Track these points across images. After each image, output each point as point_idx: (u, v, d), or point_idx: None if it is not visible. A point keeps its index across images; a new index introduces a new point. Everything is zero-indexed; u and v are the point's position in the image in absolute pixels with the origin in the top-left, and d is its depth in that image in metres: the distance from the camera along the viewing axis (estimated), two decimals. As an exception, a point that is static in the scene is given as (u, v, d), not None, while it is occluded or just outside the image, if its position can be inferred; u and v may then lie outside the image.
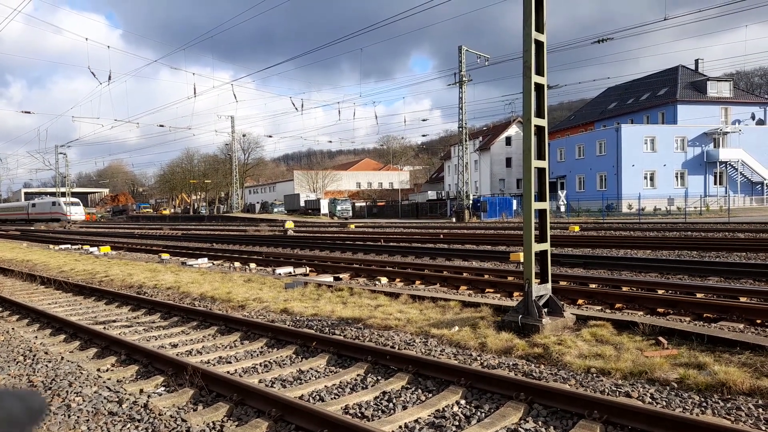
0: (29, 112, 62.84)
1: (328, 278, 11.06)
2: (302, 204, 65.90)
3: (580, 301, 7.86)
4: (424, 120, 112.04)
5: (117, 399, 4.30)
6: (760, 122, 49.94)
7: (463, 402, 4.27)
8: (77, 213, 59.64)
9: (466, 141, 41.38)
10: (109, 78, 27.16)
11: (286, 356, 5.82)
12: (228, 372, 5.13)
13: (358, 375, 5.06)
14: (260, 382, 4.89)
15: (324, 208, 61.53)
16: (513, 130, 62.58)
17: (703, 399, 4.01)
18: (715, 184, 46.14)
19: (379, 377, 4.96)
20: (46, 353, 5.94)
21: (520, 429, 3.74)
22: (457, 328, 6.22)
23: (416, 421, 3.94)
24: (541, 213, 6.57)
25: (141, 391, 4.79)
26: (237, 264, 14.84)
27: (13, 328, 7.48)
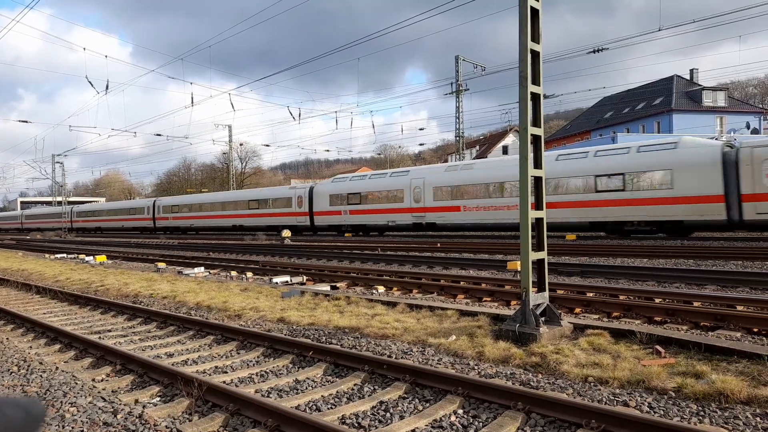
0: (26, 122, 62.86)
1: (324, 287, 11.03)
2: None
3: (577, 310, 7.86)
4: (421, 129, 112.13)
5: (112, 409, 4.26)
6: (755, 131, 50.24)
7: (460, 411, 4.25)
8: None
9: (463, 150, 41.51)
10: (107, 87, 27.21)
11: (283, 366, 5.78)
12: (224, 382, 5.10)
13: (355, 385, 5.03)
14: (256, 392, 4.86)
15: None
16: (510, 140, 62.75)
17: (701, 408, 3.99)
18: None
19: (376, 387, 4.93)
20: (40, 363, 5.90)
21: (517, 439, 3.71)
22: (454, 337, 6.20)
23: (413, 431, 3.92)
24: (539, 221, 6.59)
25: (136, 401, 4.75)
26: (233, 273, 14.79)
27: (7, 338, 7.42)
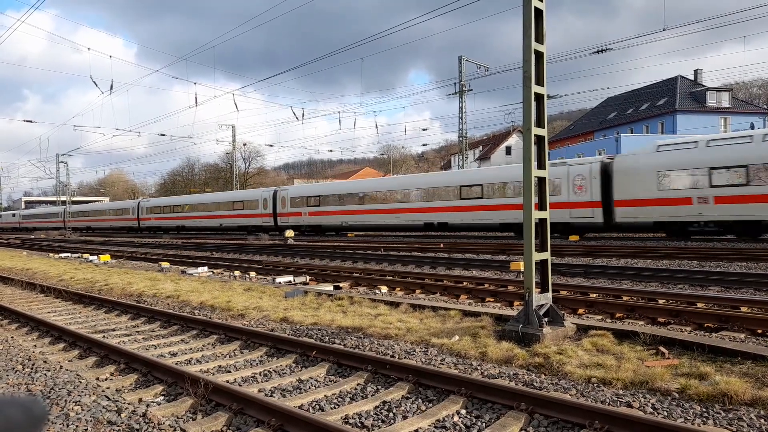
0: (31, 122, 63.20)
1: (328, 287, 11.04)
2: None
3: (580, 311, 7.84)
4: (424, 129, 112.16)
5: (116, 408, 4.28)
6: None
7: (463, 412, 4.25)
8: None
9: (466, 150, 41.48)
10: (111, 87, 27.30)
11: (286, 365, 5.80)
12: (227, 381, 5.11)
13: (358, 384, 5.04)
14: (260, 391, 4.87)
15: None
16: (513, 140, 62.72)
17: (704, 409, 3.99)
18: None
19: (379, 387, 4.94)
20: (45, 362, 5.92)
21: (520, 439, 3.71)
22: (457, 337, 6.20)
23: (416, 431, 3.92)
24: (542, 222, 6.58)
25: (140, 400, 4.77)
26: (237, 273, 14.82)
27: (12, 337, 7.46)
